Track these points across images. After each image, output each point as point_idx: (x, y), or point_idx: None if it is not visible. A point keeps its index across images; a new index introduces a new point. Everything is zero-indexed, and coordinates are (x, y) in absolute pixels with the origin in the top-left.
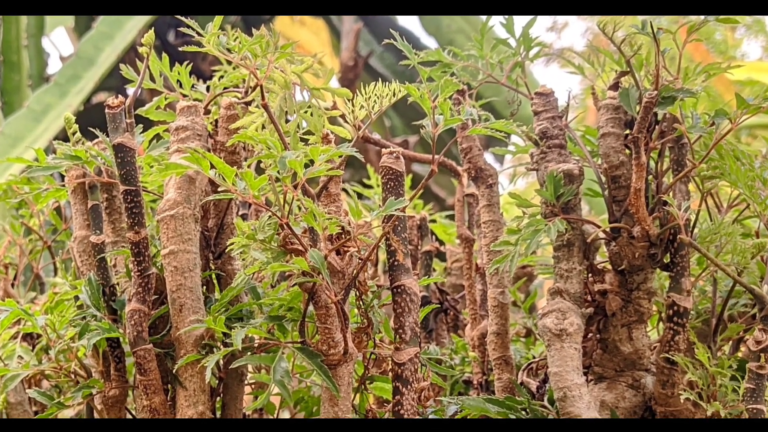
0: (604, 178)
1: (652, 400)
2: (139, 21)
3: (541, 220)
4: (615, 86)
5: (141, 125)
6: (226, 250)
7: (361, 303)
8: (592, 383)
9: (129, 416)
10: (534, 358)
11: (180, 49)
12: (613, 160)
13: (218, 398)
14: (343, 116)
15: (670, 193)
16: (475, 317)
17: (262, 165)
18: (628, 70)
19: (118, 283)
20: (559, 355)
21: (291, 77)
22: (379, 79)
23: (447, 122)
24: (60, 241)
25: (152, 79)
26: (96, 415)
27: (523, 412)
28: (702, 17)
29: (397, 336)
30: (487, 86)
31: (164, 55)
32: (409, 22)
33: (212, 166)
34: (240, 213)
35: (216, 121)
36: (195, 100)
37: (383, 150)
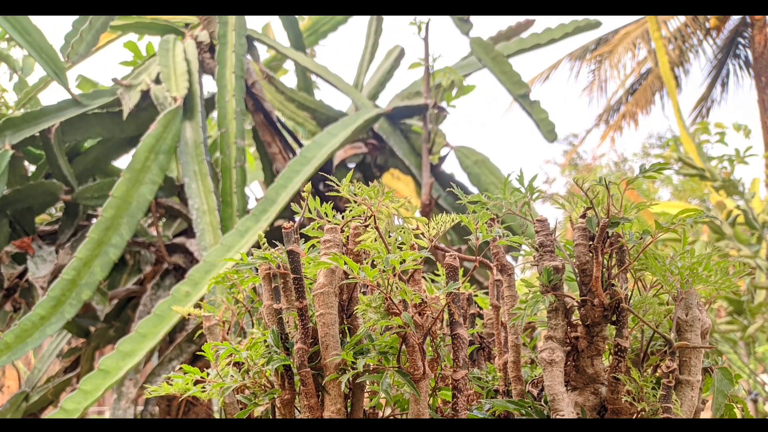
0: (576, 270)
1: (605, 402)
2: (303, 176)
3: (539, 295)
4: (583, 216)
5: (303, 239)
6: (354, 313)
7: (433, 344)
8: (569, 391)
9: (297, 413)
10: (536, 377)
11: (326, 193)
12: (583, 260)
13: (348, 401)
14: (422, 234)
15: (616, 279)
16: (501, 352)
17: (374, 262)
18: (591, 206)
19: (289, 332)
20: (550, 375)
21: (392, 210)
22: (444, 212)
23: (484, 237)
24: (255, 307)
25: (310, 211)
26: (277, 413)
27: (530, 409)
28: (636, 174)
29: (455, 363)
30: (507, 216)
31: (317, 197)
32: (463, 178)
33: (345, 263)
34: (362, 290)
35: (348, 236)
36: (335, 224)
37: (446, 254)
